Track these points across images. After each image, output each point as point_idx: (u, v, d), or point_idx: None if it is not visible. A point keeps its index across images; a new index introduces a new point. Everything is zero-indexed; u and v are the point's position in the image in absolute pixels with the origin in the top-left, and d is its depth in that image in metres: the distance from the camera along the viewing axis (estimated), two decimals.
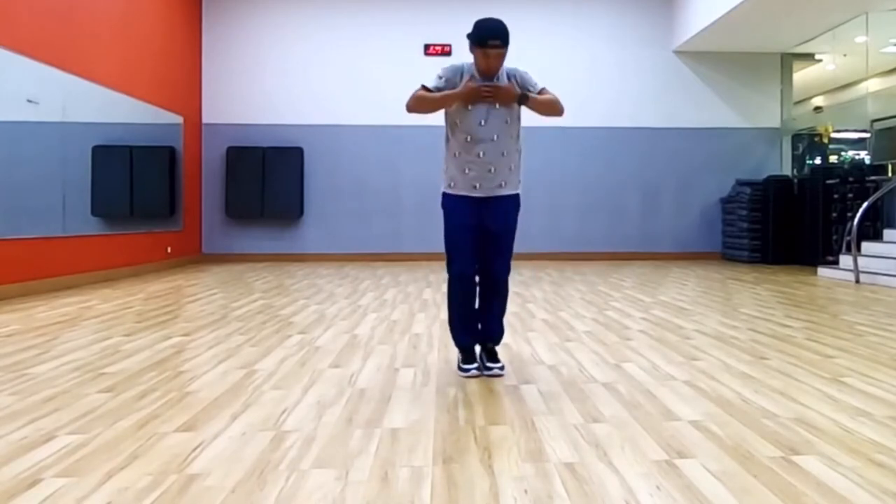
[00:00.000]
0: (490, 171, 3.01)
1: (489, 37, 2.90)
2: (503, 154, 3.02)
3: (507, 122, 3.02)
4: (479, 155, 2.99)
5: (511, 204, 3.11)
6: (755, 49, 10.39)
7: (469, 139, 2.99)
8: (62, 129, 6.69)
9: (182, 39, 9.67)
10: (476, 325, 3.19)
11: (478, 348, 3.22)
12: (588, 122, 10.53)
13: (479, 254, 3.08)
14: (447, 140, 3.10)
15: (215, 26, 10.37)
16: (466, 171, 3.02)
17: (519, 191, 3.14)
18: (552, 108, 3.02)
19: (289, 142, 10.26)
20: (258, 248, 10.32)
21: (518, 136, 3.08)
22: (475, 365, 3.11)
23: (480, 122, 2.98)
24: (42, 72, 6.30)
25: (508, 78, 3.02)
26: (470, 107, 2.97)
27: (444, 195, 3.12)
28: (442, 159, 3.13)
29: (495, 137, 2.99)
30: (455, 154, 3.04)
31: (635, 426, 2.37)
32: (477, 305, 3.19)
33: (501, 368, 3.12)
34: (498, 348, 3.23)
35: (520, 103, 3.00)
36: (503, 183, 3.06)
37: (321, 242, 10.37)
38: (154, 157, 8.86)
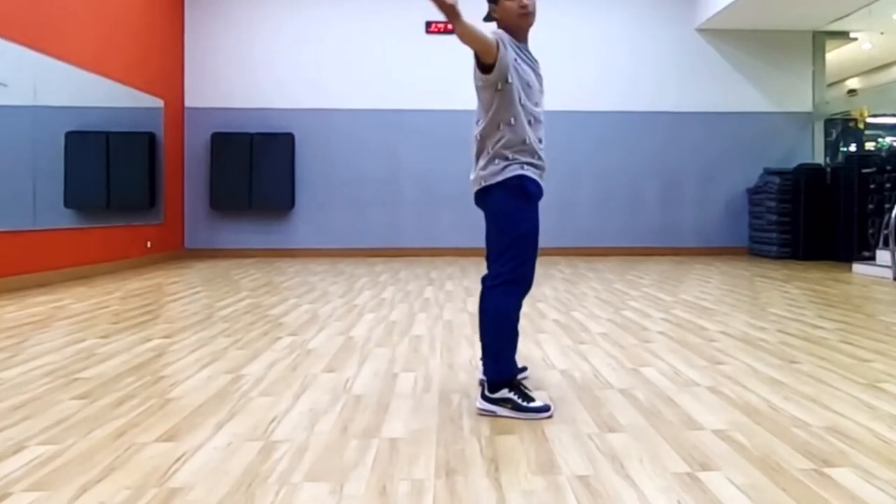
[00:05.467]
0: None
1: None
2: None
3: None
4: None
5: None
6: (785, 27, 10.35)
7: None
8: (33, 114, 6.69)
9: (163, 16, 9.66)
10: None
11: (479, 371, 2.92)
12: (602, 105, 10.51)
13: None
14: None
15: (199, 2, 10.36)
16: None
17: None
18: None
19: (278, 128, 10.25)
20: (245, 242, 10.32)
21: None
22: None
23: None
24: (11, 52, 6.30)
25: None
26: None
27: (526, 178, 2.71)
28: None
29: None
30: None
31: (655, 436, 2.37)
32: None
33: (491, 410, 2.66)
34: None
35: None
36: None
37: (313, 236, 10.37)
38: (132, 144, 8.86)
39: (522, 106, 2.67)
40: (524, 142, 2.67)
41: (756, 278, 7.37)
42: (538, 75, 2.79)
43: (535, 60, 2.81)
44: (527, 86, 2.69)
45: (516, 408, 2.60)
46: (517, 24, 2.70)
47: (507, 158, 2.67)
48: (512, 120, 2.66)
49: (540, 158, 2.73)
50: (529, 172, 2.68)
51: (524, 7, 2.66)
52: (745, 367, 3.36)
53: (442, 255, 10.05)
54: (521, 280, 2.71)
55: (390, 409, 2.70)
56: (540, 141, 2.74)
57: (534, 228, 2.70)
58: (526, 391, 2.69)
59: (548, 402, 2.70)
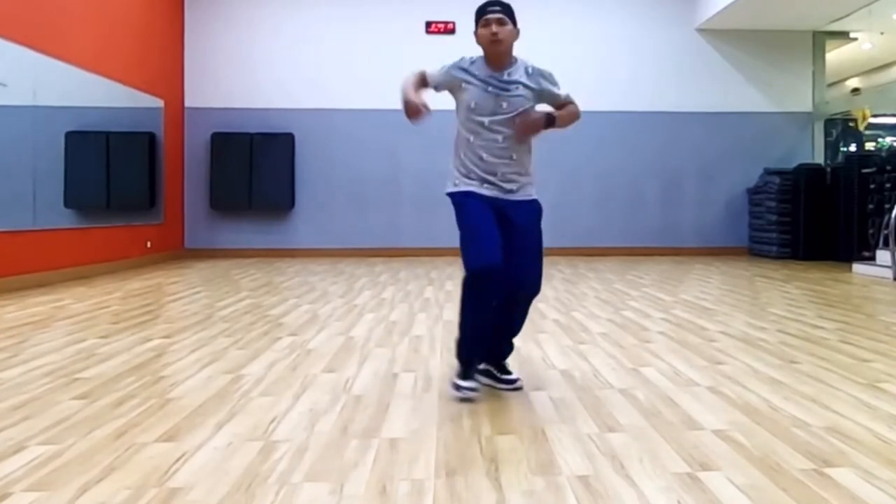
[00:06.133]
0: None
1: (487, 3, 2.95)
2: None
3: None
4: None
5: None
6: (785, 27, 10.35)
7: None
8: (33, 114, 6.69)
9: (163, 16, 9.66)
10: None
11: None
12: (602, 106, 10.47)
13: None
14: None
15: (199, 2, 10.36)
16: None
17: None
18: (574, 119, 3.06)
19: (278, 128, 10.25)
20: (245, 242, 10.32)
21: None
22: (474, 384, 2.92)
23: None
24: (11, 51, 6.29)
25: (527, 73, 2.94)
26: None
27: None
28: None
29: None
30: None
31: (654, 436, 2.37)
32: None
33: (518, 381, 3.01)
34: None
35: (546, 126, 2.92)
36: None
37: (313, 236, 10.37)
38: (132, 144, 8.86)
39: (467, 119, 2.94)
40: (460, 155, 2.98)
41: (756, 278, 7.37)
42: (501, 90, 2.90)
43: (502, 80, 2.93)
44: (469, 106, 2.92)
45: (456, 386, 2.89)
46: (488, 49, 2.94)
47: (451, 175, 3.02)
48: (456, 135, 3.01)
49: (475, 165, 2.92)
50: (459, 187, 2.96)
51: (494, 35, 2.89)
52: (745, 367, 3.36)
53: (442, 255, 10.04)
54: (466, 268, 2.86)
55: (390, 409, 2.70)
56: (482, 149, 2.90)
57: (470, 226, 2.88)
58: (462, 376, 2.89)
59: (470, 394, 2.84)
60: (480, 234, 2.83)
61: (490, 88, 2.91)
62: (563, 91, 3.02)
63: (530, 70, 2.96)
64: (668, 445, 2.27)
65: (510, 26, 2.92)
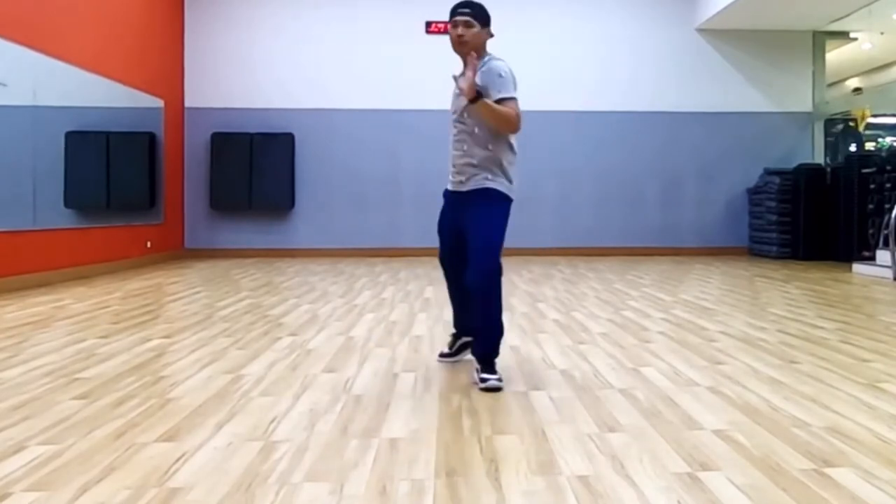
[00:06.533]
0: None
1: (458, 4, 3.06)
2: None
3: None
4: None
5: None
6: (785, 27, 10.35)
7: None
8: (33, 114, 6.69)
9: (163, 16, 9.66)
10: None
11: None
12: (602, 106, 10.50)
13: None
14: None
15: (199, 2, 10.36)
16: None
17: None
18: (500, 119, 2.96)
19: (278, 128, 10.25)
20: (245, 242, 10.32)
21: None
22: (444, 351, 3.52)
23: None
24: (11, 51, 6.29)
25: (481, 70, 2.98)
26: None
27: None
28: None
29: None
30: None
31: (654, 436, 2.37)
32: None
33: (489, 381, 2.93)
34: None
35: (470, 102, 2.92)
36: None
37: (313, 236, 10.37)
38: (132, 144, 8.86)
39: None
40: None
41: (756, 278, 7.37)
42: (457, 88, 3.06)
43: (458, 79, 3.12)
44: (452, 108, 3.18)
45: None
46: (455, 49, 3.09)
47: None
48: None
49: (452, 164, 3.17)
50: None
51: (459, 37, 3.03)
52: (745, 367, 3.36)
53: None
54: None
55: (390, 408, 2.70)
56: (450, 145, 3.17)
57: (439, 224, 3.33)
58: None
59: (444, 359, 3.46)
60: (439, 236, 3.34)
61: (455, 90, 3.09)
62: (505, 94, 2.95)
63: (485, 68, 3.00)
64: (668, 445, 2.27)
65: (477, 28, 3.01)
